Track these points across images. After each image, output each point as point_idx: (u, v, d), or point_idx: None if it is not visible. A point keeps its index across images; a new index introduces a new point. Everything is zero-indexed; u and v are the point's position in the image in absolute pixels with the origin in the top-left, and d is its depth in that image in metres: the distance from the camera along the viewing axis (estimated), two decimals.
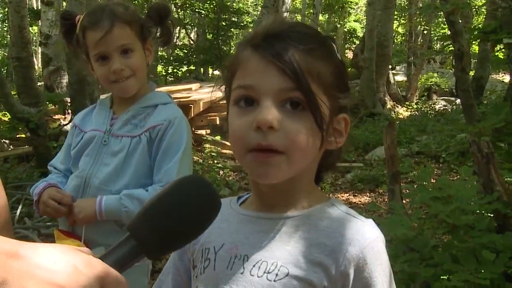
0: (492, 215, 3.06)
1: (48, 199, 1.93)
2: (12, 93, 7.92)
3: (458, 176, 5.92)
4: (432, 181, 3.43)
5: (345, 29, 28.21)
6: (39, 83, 10.67)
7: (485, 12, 10.89)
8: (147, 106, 2.03)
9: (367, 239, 1.00)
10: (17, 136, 8.56)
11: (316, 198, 1.09)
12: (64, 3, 10.14)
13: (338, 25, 28.28)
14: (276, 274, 1.00)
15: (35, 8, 16.69)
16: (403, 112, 14.14)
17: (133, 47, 1.97)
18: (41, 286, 0.67)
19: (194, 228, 0.83)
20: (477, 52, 11.43)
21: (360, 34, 26.11)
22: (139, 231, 0.80)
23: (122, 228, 1.96)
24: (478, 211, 3.04)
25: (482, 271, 2.62)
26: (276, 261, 1.01)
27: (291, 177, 1.02)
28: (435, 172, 7.35)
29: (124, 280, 0.75)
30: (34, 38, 20.79)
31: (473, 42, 7.75)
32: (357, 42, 22.53)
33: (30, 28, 12.20)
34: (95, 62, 1.96)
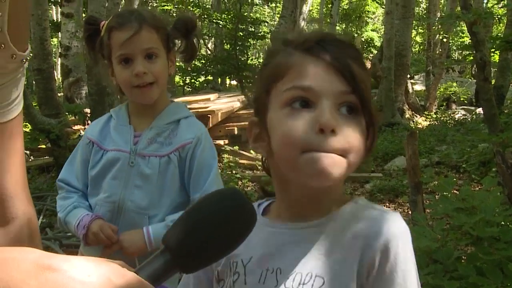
0: None
1: (99, 232, 1.88)
2: (33, 104, 8.02)
3: (480, 187, 5.84)
4: (453, 191, 3.39)
5: (363, 39, 28.16)
6: (59, 94, 10.80)
7: (505, 21, 10.80)
8: (170, 122, 1.98)
9: (391, 233, 0.99)
10: (38, 147, 8.65)
11: (342, 200, 1.08)
12: (84, 15, 10.26)
13: (356, 35, 28.25)
14: (312, 285, 0.99)
15: (55, 20, 16.93)
16: (422, 121, 14.04)
17: (158, 53, 1.92)
18: None
19: (230, 242, 0.82)
20: (497, 61, 11.34)
21: (378, 44, 26.05)
22: (174, 244, 0.79)
23: None
24: (503, 222, 2.99)
25: (509, 284, 2.57)
26: (311, 272, 1.00)
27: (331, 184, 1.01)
28: (457, 182, 7.27)
29: None
30: (54, 50, 21.06)
31: (494, 51, 7.67)
32: (375, 51, 22.49)
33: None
34: (117, 64, 1.90)
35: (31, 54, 0.98)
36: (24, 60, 0.95)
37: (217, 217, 0.80)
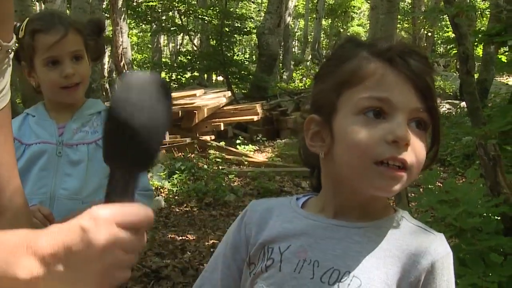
0: (499, 217, 3.04)
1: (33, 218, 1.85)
2: (17, 102, 7.95)
3: (464, 179, 5.90)
4: (438, 184, 3.42)
5: (348, 34, 28.21)
6: None
7: (489, 15, 10.89)
8: (92, 113, 2.05)
9: (439, 254, 1.03)
10: None
11: (386, 209, 1.10)
12: (68, 11, 10.18)
13: (341, 30, 28.32)
14: (348, 284, 1.01)
15: None
16: None
17: (83, 54, 2.00)
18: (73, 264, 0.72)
19: (158, 124, 0.80)
20: (481, 55, 11.43)
21: (364, 38, 26.10)
22: (115, 158, 0.79)
23: None
24: (485, 214, 3.03)
25: (490, 274, 2.61)
26: (349, 271, 1.01)
27: None
28: (441, 175, 7.33)
29: (133, 205, 0.76)
30: None
31: (477, 45, 7.74)
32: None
33: None
34: (43, 66, 1.95)
35: (16, 44, 0.98)
36: (9, 51, 0.95)
37: (138, 114, 0.78)
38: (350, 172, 1.02)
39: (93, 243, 0.72)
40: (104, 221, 0.73)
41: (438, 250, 1.03)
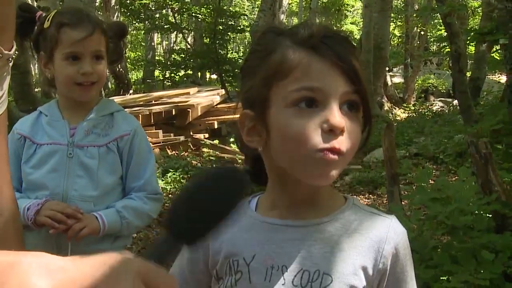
0: (490, 215, 3.07)
1: (56, 212, 1.88)
2: (9, 99, 7.91)
3: (457, 177, 5.93)
4: (430, 182, 3.44)
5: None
6: (36, 89, 10.68)
7: (481, 13, 10.92)
8: (104, 114, 2.05)
9: (399, 235, 1.05)
10: None
11: (337, 200, 1.10)
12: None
13: (335, 28, 28.30)
14: (320, 283, 1.01)
15: None
16: (400, 113, 14.16)
17: (103, 55, 2.01)
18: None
19: (219, 209, 0.90)
20: (473, 53, 11.48)
21: (357, 37, 26.15)
22: (170, 223, 0.87)
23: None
24: (477, 211, 3.05)
25: (482, 271, 2.63)
26: (318, 269, 1.02)
27: None
28: (434, 173, 7.36)
29: (165, 270, 0.76)
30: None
31: (470, 43, 7.78)
32: (354, 44, 22.55)
33: None
34: (63, 60, 1.95)
35: (16, 52, 0.98)
36: (10, 59, 0.95)
37: (203, 190, 0.88)
38: (288, 164, 1.02)
39: None
40: (134, 272, 0.72)
41: (397, 231, 1.05)
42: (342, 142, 0.97)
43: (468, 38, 4.62)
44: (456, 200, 3.01)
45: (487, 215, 3.09)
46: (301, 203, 1.07)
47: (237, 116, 1.09)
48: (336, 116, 0.96)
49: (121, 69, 14.13)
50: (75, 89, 1.98)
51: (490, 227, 2.99)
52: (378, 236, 1.04)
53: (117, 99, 11.32)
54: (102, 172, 1.99)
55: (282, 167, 1.03)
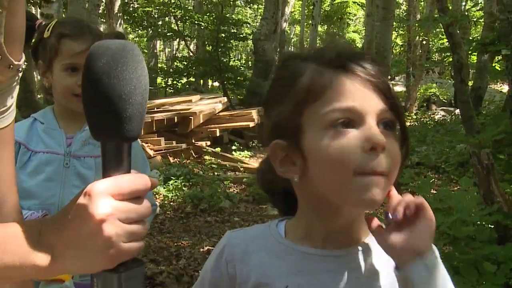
0: (492, 226, 3.06)
1: None
2: None
3: (458, 187, 5.92)
4: (432, 192, 3.44)
5: (344, 40, 28.30)
6: (39, 96, 10.71)
7: (483, 23, 10.95)
8: None
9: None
10: None
11: (364, 224, 1.04)
12: (63, 16, 10.19)
13: (337, 36, 28.40)
14: None
15: None
16: None
17: None
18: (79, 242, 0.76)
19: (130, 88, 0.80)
20: (475, 62, 11.50)
21: (359, 45, 26.19)
22: (99, 130, 0.81)
23: None
24: (479, 222, 3.05)
25: (484, 283, 2.62)
26: None
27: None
28: (435, 182, 7.35)
29: (129, 173, 0.81)
30: None
31: (473, 53, 7.80)
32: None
33: None
34: (62, 70, 1.95)
35: (25, 63, 0.99)
36: (20, 69, 0.96)
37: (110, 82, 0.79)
38: (332, 189, 0.96)
39: (90, 218, 0.75)
40: (98, 195, 0.76)
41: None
42: (384, 162, 0.92)
43: (470, 48, 4.64)
44: (458, 211, 3.01)
45: (489, 226, 3.09)
46: (337, 232, 1.02)
47: (267, 151, 1.04)
48: (377, 133, 0.92)
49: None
50: (73, 100, 1.97)
51: (492, 238, 2.99)
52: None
53: None
54: None
55: (322, 194, 0.98)
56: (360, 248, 1.02)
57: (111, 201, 0.76)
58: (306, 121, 0.97)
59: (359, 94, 0.95)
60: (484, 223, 3.06)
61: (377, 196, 0.92)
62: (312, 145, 0.96)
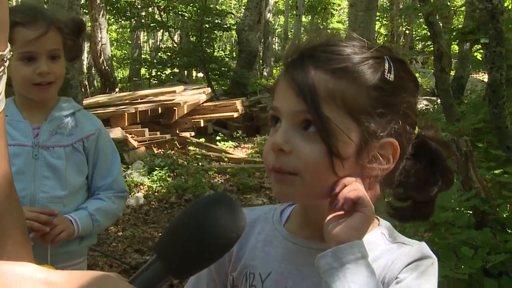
0: (471, 212, 3.12)
1: (32, 222, 1.84)
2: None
3: None
4: None
5: (328, 30, 28.33)
6: None
7: (465, 13, 11.05)
8: (67, 114, 2.03)
9: (410, 258, 0.98)
10: None
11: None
12: (45, 6, 10.09)
13: (321, 26, 28.41)
14: None
15: None
16: None
17: (60, 54, 1.96)
18: None
19: (221, 247, 0.83)
20: (457, 51, 11.60)
21: (344, 35, 26.21)
22: (166, 252, 0.81)
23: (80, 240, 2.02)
24: (457, 208, 3.10)
25: (462, 266, 2.67)
26: None
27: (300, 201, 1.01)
28: None
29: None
30: None
31: (454, 42, 7.87)
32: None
33: None
34: (17, 60, 1.89)
35: (11, 53, 0.99)
36: (5, 59, 0.96)
37: (207, 224, 0.81)
38: None
39: None
40: None
41: (411, 254, 0.99)
42: (282, 161, 0.96)
43: (451, 37, 4.70)
44: (438, 197, 3.06)
45: (468, 212, 3.15)
46: (319, 225, 1.01)
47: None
48: (276, 135, 0.97)
49: (106, 67, 14.09)
50: (32, 90, 1.94)
51: (470, 224, 3.04)
52: (382, 265, 0.99)
53: (103, 97, 11.29)
54: (69, 172, 1.98)
55: None
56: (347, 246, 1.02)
57: None
58: None
59: (282, 95, 1.00)
60: (462, 208, 3.12)
61: (283, 190, 0.98)
62: None
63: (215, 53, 17.68)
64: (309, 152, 0.95)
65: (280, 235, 1.09)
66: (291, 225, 1.10)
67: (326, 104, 0.95)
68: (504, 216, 3.04)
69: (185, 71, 18.95)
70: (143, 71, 19.15)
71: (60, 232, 1.90)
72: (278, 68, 22.82)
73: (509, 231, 2.88)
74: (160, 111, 10.01)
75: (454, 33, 4.65)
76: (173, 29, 18.63)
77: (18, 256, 1.09)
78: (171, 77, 16.73)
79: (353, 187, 0.95)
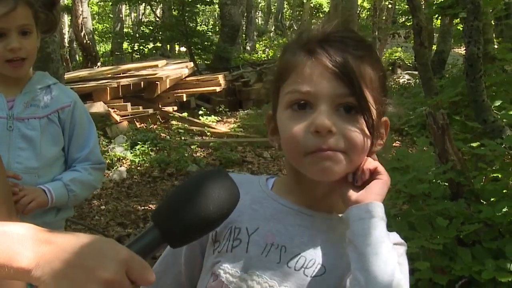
0: (447, 183, 3.18)
1: None
2: None
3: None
4: (393, 153, 3.54)
5: (312, 4, 28.19)
6: None
7: None
8: (42, 87, 2.04)
9: (392, 241, 1.04)
10: None
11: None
12: None
13: (305, 1, 28.25)
14: (314, 271, 1.05)
15: None
16: None
17: (32, 29, 1.94)
18: (69, 268, 0.74)
19: (216, 218, 0.87)
20: (439, 26, 11.64)
21: (326, 9, 26.14)
22: (163, 221, 0.85)
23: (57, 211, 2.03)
24: (434, 180, 3.16)
25: (437, 237, 2.74)
26: (315, 259, 1.06)
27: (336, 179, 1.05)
28: (399, 144, 7.52)
29: (148, 265, 0.81)
30: None
31: (434, 17, 7.91)
32: (323, 17, 22.56)
33: None
34: None
35: None
36: None
37: (203, 196, 0.86)
38: (294, 164, 1.07)
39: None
40: (121, 259, 0.77)
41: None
42: (331, 141, 1.00)
43: (430, 11, 4.73)
44: (415, 169, 3.11)
45: (444, 183, 3.21)
46: (316, 198, 1.10)
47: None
48: (322, 118, 0.99)
49: (88, 41, 13.93)
50: (5, 66, 1.93)
51: (446, 195, 3.11)
52: None
53: (85, 71, 11.19)
54: (44, 144, 1.99)
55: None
56: (335, 217, 1.10)
57: (121, 271, 0.77)
58: (280, 98, 1.07)
59: (317, 79, 1.01)
60: (438, 180, 3.18)
61: (331, 168, 1.01)
62: (278, 122, 1.08)
63: (198, 27, 17.52)
64: (355, 133, 1.01)
65: (268, 196, 1.14)
66: (278, 191, 1.15)
67: (365, 88, 1.03)
68: (479, 187, 3.11)
69: (168, 46, 18.77)
70: (125, 45, 18.97)
71: (29, 201, 1.89)
72: (261, 43, 22.70)
73: (483, 202, 2.95)
74: (142, 85, 9.97)
75: (434, 7, 4.68)
76: (155, 3, 18.39)
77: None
78: (154, 51, 16.58)
79: (369, 160, 1.06)
